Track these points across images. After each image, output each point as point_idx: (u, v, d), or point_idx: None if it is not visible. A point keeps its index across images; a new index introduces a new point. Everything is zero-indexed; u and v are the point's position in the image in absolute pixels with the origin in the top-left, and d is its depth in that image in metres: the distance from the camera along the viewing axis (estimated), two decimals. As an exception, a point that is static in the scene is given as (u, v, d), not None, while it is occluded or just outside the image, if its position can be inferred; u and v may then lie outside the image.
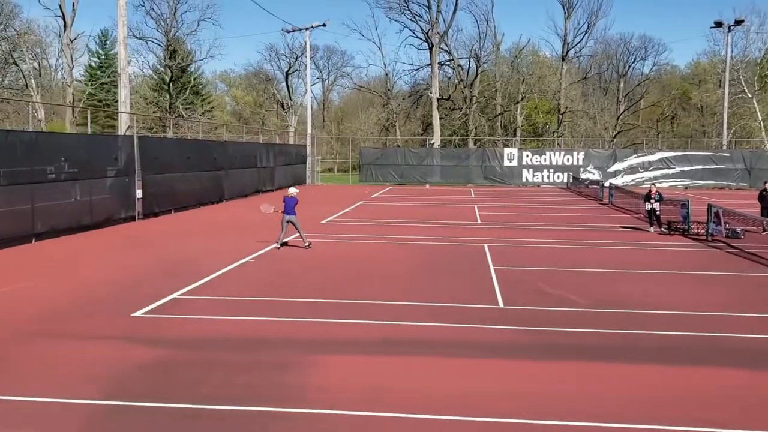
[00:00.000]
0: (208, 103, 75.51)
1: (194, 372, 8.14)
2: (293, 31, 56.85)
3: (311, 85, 64.06)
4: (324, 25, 52.20)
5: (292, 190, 18.22)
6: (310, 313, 11.00)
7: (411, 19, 64.03)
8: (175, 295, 12.15)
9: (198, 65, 71.43)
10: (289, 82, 76.25)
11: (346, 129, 78.37)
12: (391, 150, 56.72)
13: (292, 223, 17.71)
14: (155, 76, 69.57)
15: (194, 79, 70.15)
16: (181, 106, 65.16)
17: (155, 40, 64.63)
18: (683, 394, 7.56)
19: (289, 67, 75.58)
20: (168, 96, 65.37)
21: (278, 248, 17.67)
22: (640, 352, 9.08)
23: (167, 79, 65.33)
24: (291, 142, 59.49)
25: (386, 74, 73.25)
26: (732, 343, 9.55)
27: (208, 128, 59.41)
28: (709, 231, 20.39)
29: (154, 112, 65.65)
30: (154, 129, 62.16)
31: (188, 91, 67.38)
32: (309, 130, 54.57)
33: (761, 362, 8.72)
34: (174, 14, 63.28)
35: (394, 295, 12.31)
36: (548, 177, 51.11)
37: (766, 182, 23.54)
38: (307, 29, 53.54)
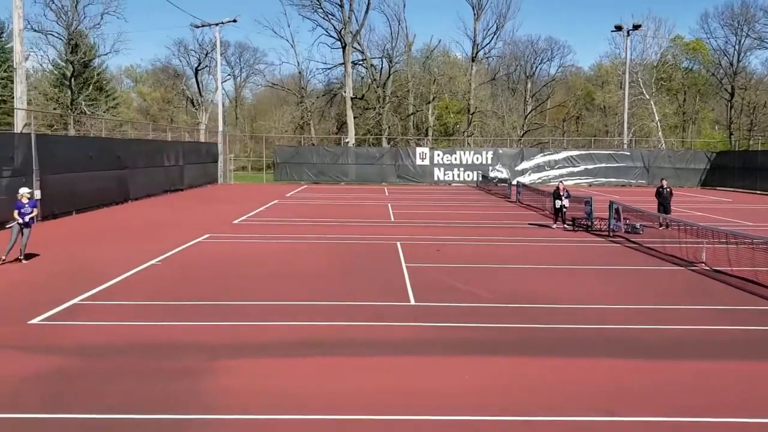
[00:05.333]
0: (113, 99, 72.48)
1: (96, 381, 7.81)
2: (203, 26, 55.68)
3: (222, 82, 62.87)
4: (235, 21, 51.32)
5: (24, 191, 15.68)
6: (220, 316, 10.76)
7: (323, 18, 63.93)
8: (75, 301, 11.61)
9: (102, 60, 68.61)
10: (199, 79, 74.55)
11: (259, 127, 77.24)
12: (306, 148, 56.32)
13: (23, 230, 15.32)
14: (56, 71, 66.32)
15: (98, 74, 67.08)
16: (83, 103, 62.31)
17: (56, 34, 61.54)
18: (583, 385, 7.84)
19: (199, 63, 73.97)
20: (69, 92, 62.37)
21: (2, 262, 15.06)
22: (542, 345, 9.36)
23: (68, 74, 62.28)
24: (202, 139, 58.01)
25: (300, 72, 72.59)
26: (627, 334, 9.99)
27: (112, 125, 57.17)
28: (611, 227, 21.32)
29: (54, 108, 62.52)
30: (55, 127, 59.21)
31: (91, 86, 64.44)
32: (220, 128, 53.53)
33: (655, 353, 9.14)
34: (75, 7, 60.42)
35: (306, 296, 12.22)
36: (459, 176, 52.11)
37: (662, 179, 24.81)
38: (217, 25, 52.52)
